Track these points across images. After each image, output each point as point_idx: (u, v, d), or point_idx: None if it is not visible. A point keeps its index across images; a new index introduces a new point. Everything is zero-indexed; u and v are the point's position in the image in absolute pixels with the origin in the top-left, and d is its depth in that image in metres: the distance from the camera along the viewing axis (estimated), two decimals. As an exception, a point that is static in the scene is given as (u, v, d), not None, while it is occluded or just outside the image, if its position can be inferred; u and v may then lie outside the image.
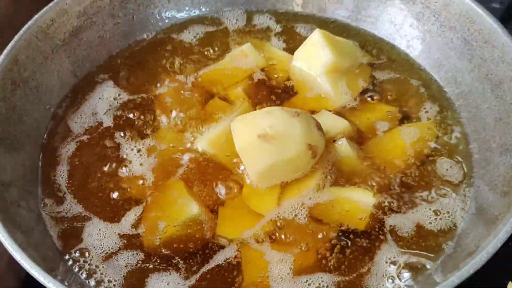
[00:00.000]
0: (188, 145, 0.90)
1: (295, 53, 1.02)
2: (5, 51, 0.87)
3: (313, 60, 0.98)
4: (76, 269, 0.77)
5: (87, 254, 0.79)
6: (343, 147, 0.86)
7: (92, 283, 0.76)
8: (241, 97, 0.96)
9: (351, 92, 0.97)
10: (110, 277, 0.77)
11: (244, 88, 0.98)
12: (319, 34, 0.98)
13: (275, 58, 1.04)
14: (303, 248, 0.78)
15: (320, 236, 0.79)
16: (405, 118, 0.95)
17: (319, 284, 0.75)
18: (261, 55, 1.03)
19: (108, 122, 0.94)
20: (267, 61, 1.03)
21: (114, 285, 0.76)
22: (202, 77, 1.01)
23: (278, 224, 0.80)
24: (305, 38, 1.01)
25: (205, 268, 0.77)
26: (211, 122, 0.92)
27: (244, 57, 1.02)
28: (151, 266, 0.78)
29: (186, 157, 0.88)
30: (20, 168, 0.86)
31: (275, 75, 1.01)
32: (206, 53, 1.06)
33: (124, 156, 0.89)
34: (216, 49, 1.06)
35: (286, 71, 1.01)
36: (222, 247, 0.79)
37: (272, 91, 0.99)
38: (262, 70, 1.01)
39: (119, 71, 1.03)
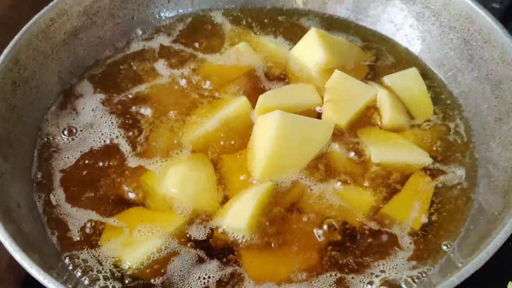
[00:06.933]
0: (185, 141, 0.90)
1: (291, 51, 1.03)
2: (5, 51, 0.87)
3: (308, 59, 1.00)
4: (75, 270, 0.77)
5: (86, 254, 0.79)
6: (336, 149, 0.88)
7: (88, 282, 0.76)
8: (238, 95, 0.96)
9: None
10: (108, 277, 0.77)
11: (241, 85, 0.98)
12: (314, 33, 0.99)
13: (273, 56, 1.04)
14: (297, 248, 0.79)
15: (316, 236, 0.80)
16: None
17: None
18: (258, 53, 1.04)
19: (107, 121, 0.94)
20: (264, 59, 1.03)
21: (114, 285, 0.76)
22: (199, 75, 1.01)
23: (275, 222, 0.81)
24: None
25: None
26: (206, 122, 0.92)
27: (240, 55, 1.03)
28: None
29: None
30: (20, 168, 0.86)
31: (272, 73, 1.01)
32: (204, 51, 1.06)
33: (124, 156, 0.89)
34: (215, 47, 1.06)
35: (283, 69, 1.02)
36: (222, 247, 0.79)
37: (269, 88, 0.98)
38: (259, 67, 1.02)
39: (118, 69, 1.03)
